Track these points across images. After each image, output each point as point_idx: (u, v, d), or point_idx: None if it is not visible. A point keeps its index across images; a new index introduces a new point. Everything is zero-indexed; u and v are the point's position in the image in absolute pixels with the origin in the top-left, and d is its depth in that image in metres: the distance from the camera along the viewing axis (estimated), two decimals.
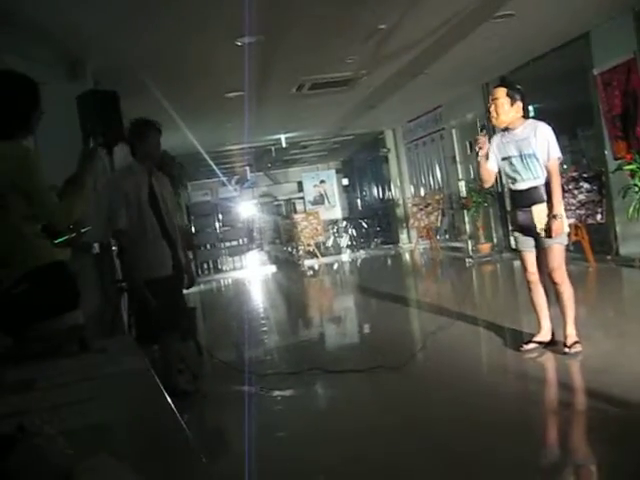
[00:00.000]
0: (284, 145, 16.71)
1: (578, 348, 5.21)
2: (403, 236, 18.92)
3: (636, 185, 8.35)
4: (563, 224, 5.21)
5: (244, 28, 7.13)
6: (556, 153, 5.22)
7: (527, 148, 5.23)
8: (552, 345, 5.48)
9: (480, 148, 5.42)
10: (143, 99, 8.43)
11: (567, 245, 5.46)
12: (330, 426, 4.52)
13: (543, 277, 5.45)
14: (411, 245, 17.44)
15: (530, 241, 5.41)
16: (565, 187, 10.00)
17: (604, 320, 6.61)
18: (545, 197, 5.24)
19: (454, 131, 14.84)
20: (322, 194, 21.98)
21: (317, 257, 18.00)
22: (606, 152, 9.59)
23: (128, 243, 5.13)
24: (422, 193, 17.37)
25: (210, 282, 16.97)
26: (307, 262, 17.72)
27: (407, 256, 16.60)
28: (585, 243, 9.68)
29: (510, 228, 5.68)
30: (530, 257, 5.46)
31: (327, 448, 4.04)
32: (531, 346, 5.51)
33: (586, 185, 9.75)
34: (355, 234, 20.66)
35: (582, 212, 9.68)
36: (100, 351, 2.62)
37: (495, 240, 13.23)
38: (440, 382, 5.14)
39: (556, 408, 4.42)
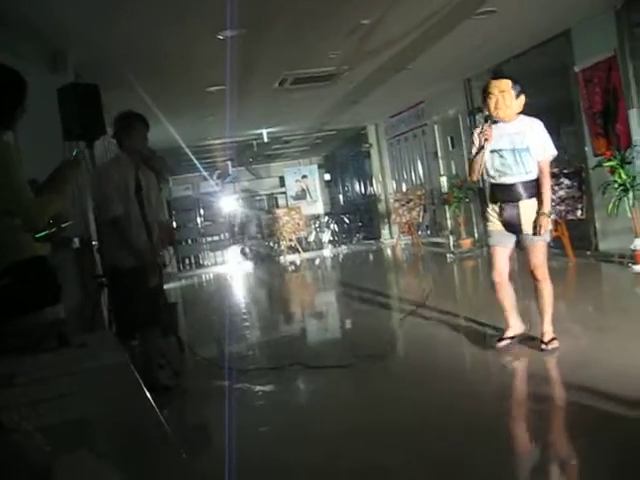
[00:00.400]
0: (266, 140, 16.67)
1: (555, 344, 5.20)
2: (385, 231, 18.95)
3: (616, 181, 8.41)
4: (550, 222, 5.23)
5: (226, 21, 7.10)
6: (552, 150, 5.23)
7: (521, 142, 5.14)
8: (528, 340, 5.48)
9: (487, 140, 5.22)
10: (124, 92, 8.38)
11: (549, 242, 5.44)
12: (310, 422, 4.52)
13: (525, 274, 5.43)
14: (393, 240, 17.47)
15: (510, 237, 5.32)
16: None
17: (583, 315, 6.66)
18: (534, 193, 5.19)
19: (436, 127, 14.86)
20: (304, 189, 21.95)
21: (299, 252, 18.03)
22: (586, 148, 9.66)
23: (124, 230, 5.09)
24: (404, 189, 17.39)
25: (192, 277, 16.94)
26: (289, 257, 17.73)
27: (389, 251, 16.62)
28: (565, 239, 9.74)
29: (486, 222, 5.49)
30: (503, 253, 5.39)
31: (307, 445, 4.04)
32: (505, 342, 5.46)
33: (566, 181, 9.81)
34: (337, 229, 20.69)
35: (562, 208, 9.73)
36: (80, 346, 2.61)
37: (476, 235, 13.27)
38: (417, 379, 5.12)
39: (531, 403, 4.42)
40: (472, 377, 5.11)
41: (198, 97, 10.76)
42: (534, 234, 5.16)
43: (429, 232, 16.61)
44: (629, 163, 8.45)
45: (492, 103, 5.18)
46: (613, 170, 8.50)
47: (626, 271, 8.26)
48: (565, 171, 9.94)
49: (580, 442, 3.54)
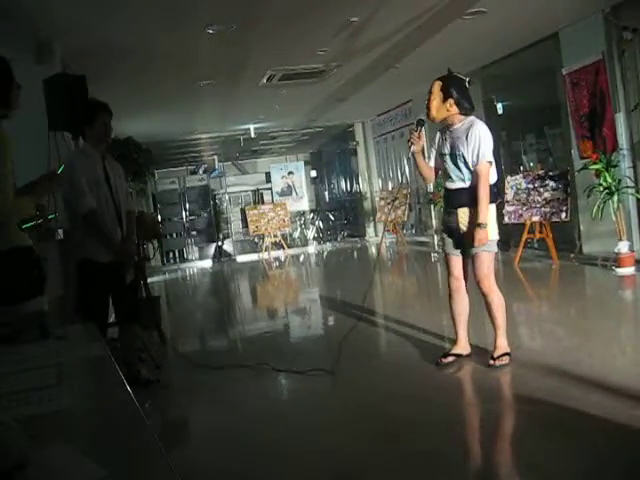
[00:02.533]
0: (253, 135, 16.65)
1: (505, 361, 4.91)
2: (370, 229, 18.97)
3: (601, 185, 8.45)
4: (487, 233, 4.80)
5: (215, 16, 7.08)
6: (486, 157, 4.80)
7: (458, 147, 4.89)
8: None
9: (412, 144, 5.10)
10: (111, 84, 8.35)
11: (496, 253, 5.08)
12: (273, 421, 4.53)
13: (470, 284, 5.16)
14: (377, 239, 17.48)
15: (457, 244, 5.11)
16: (531, 185, 10.12)
17: (565, 317, 6.69)
18: (470, 201, 4.87)
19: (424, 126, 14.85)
20: (290, 185, 21.92)
21: (283, 248, 18.02)
22: (572, 151, 9.70)
23: (98, 223, 4.97)
24: (390, 187, 17.41)
25: (175, 271, 16.90)
26: (273, 253, 17.73)
27: (373, 250, 16.64)
28: (549, 241, 9.78)
29: (440, 228, 5.30)
30: (455, 261, 5.12)
31: (279, 440, 4.05)
32: (449, 359, 5.17)
33: (552, 183, 9.85)
34: (322, 226, 20.71)
35: (547, 210, 9.77)
36: (61, 338, 2.58)
37: None
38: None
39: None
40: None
41: (186, 91, 10.72)
42: (471, 246, 4.89)
43: (414, 231, 16.65)
44: (615, 166, 8.50)
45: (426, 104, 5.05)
46: (599, 173, 8.55)
47: (609, 274, 8.31)
48: (551, 173, 9.98)
49: (557, 443, 3.55)
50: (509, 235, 12.00)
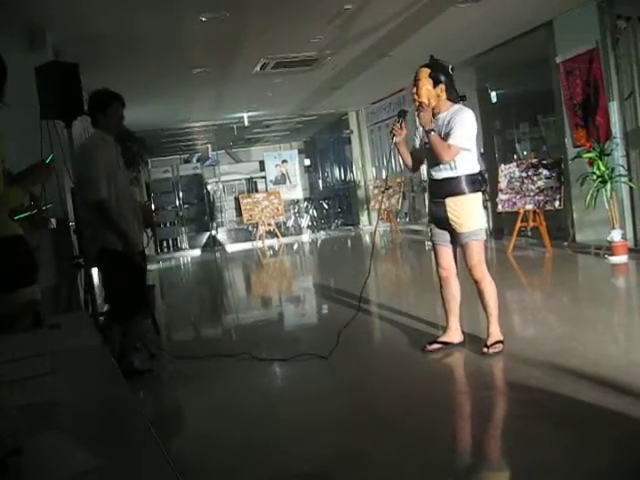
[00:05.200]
0: (247, 124, 16.61)
1: (498, 348, 4.90)
2: (364, 218, 18.97)
3: (594, 173, 8.47)
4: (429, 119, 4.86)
5: (209, 3, 7.05)
6: (458, 142, 4.79)
7: (444, 134, 4.87)
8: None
9: (394, 135, 5.12)
10: (103, 72, 8.29)
11: (485, 240, 5.09)
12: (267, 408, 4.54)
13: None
14: (371, 227, 17.48)
15: (445, 235, 5.06)
16: (525, 173, 10.13)
17: (558, 305, 6.70)
18: (464, 190, 4.86)
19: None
20: (284, 174, 21.92)
21: (277, 237, 18.02)
22: (566, 140, 9.70)
23: (113, 212, 4.90)
24: (384, 175, 17.39)
25: (169, 260, 16.89)
26: (267, 242, 17.72)
27: (367, 238, 16.64)
28: (542, 229, 9.80)
29: (427, 219, 5.34)
30: (443, 251, 5.11)
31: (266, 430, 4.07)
32: (434, 346, 5.18)
33: (545, 172, 9.86)
34: (316, 215, 20.71)
35: (541, 198, 9.78)
36: (54, 327, 2.58)
37: None
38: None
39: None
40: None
41: (180, 79, 10.68)
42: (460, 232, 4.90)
43: (408, 219, 16.65)
44: (608, 155, 8.51)
45: (413, 92, 5.07)
46: (592, 162, 8.55)
47: (602, 262, 8.33)
48: (544, 162, 9.99)
49: (547, 430, 3.56)
50: (503, 223, 12.04)
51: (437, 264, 5.20)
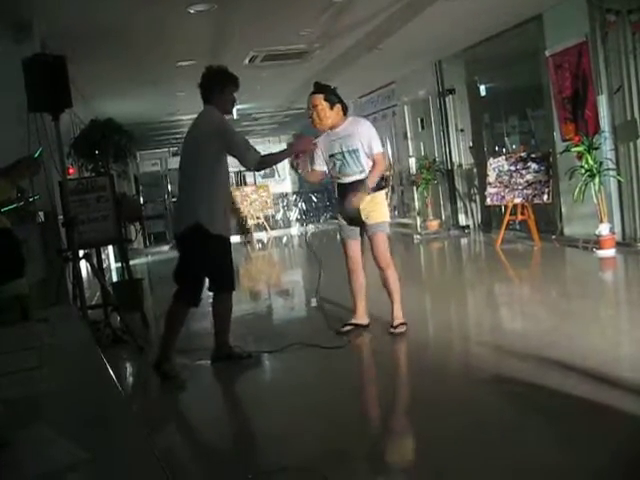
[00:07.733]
0: (235, 117, 16.50)
1: (402, 329, 5.58)
2: None
3: (582, 167, 8.49)
4: (362, 197, 5.35)
5: None
6: (378, 148, 5.53)
7: (351, 144, 5.47)
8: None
9: (302, 170, 5.71)
10: (91, 64, 8.25)
11: (388, 234, 5.80)
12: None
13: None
14: None
15: (354, 230, 5.70)
16: (514, 167, 10.16)
17: (546, 298, 6.73)
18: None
19: (406, 108, 14.83)
20: (272, 167, 21.89)
21: (266, 230, 18.01)
22: (555, 133, 9.71)
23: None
24: None
25: (158, 253, 16.84)
26: (256, 235, 17.71)
27: None
28: (531, 222, 9.83)
29: (337, 216, 6.01)
30: (352, 245, 5.75)
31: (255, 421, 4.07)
32: (347, 328, 5.80)
33: (534, 165, 9.88)
34: (305, 208, 20.68)
35: (529, 192, 9.81)
36: (42, 321, 2.57)
37: (443, 217, 13.33)
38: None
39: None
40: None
41: (168, 71, 10.62)
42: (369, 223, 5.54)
43: (397, 213, 16.65)
44: (596, 149, 8.52)
45: (313, 118, 5.59)
46: (580, 155, 8.57)
47: (590, 256, 8.37)
48: (533, 155, 10.01)
49: (532, 422, 3.57)
50: (491, 217, 12.08)
51: (346, 256, 5.83)
